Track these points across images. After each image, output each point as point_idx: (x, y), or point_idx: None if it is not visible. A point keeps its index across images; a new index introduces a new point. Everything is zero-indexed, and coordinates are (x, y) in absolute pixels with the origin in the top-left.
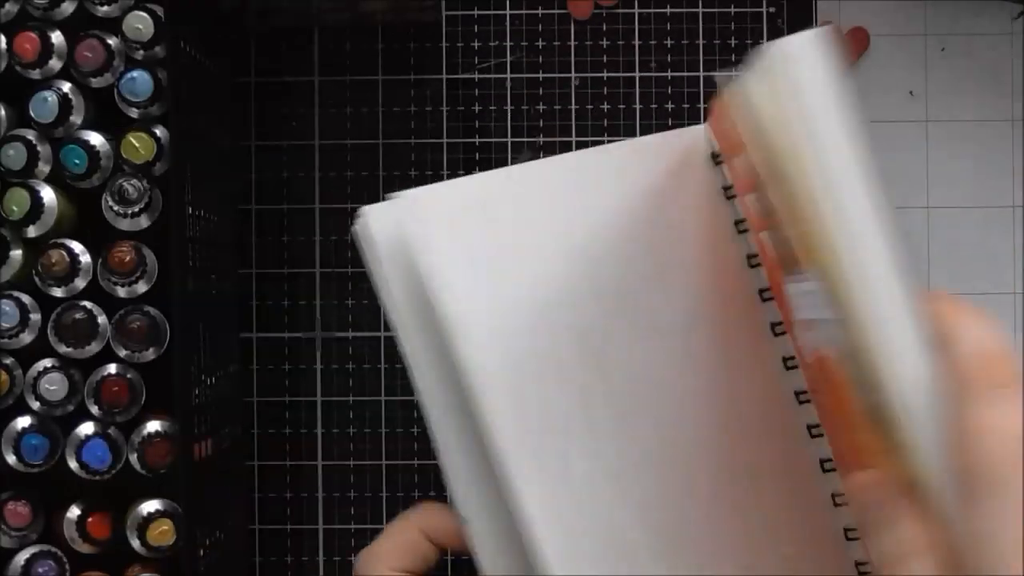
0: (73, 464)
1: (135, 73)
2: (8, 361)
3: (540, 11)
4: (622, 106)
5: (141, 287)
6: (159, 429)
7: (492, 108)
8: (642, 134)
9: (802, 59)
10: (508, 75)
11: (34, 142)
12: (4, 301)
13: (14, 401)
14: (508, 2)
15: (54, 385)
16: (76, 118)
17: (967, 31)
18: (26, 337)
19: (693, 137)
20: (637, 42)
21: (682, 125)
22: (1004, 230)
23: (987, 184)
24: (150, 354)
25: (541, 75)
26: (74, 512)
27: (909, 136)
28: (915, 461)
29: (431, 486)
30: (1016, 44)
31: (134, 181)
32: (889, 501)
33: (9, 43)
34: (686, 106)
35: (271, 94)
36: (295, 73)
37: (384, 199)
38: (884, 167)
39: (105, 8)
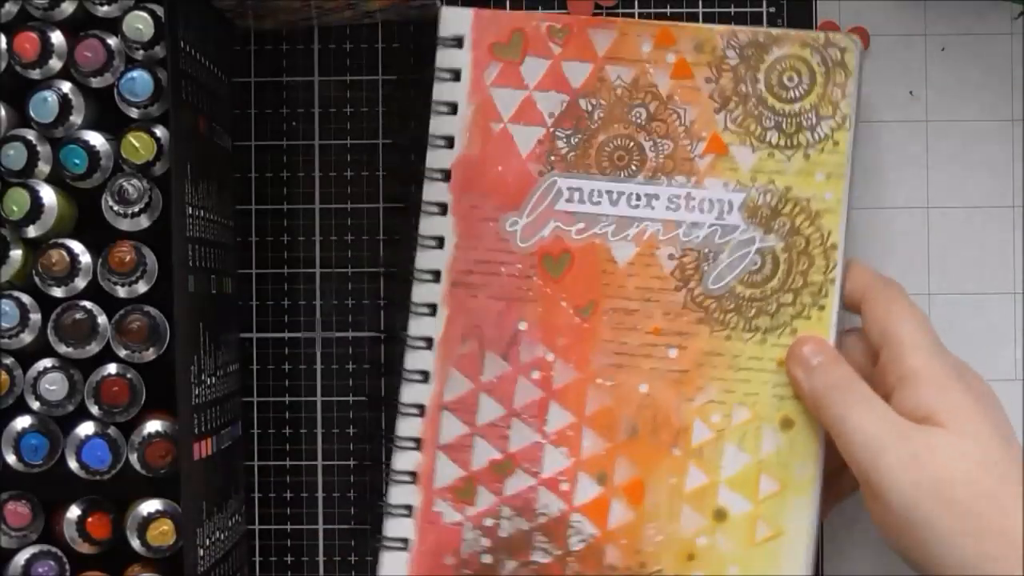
0: (73, 464)
1: (135, 73)
2: (8, 361)
3: (540, 11)
4: None
5: (141, 287)
6: (159, 429)
7: None
8: None
9: None
10: None
11: (34, 142)
12: (4, 301)
13: (14, 401)
14: (508, 2)
15: (54, 385)
16: (76, 118)
17: (967, 31)
18: (26, 337)
19: None
20: None
21: None
22: (1004, 230)
23: (987, 184)
24: (150, 354)
25: None
26: (74, 512)
27: (909, 136)
28: None
29: None
30: (1016, 44)
31: (134, 181)
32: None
33: (9, 43)
34: None
35: (271, 94)
36: (295, 73)
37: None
38: (884, 167)
39: (105, 8)
